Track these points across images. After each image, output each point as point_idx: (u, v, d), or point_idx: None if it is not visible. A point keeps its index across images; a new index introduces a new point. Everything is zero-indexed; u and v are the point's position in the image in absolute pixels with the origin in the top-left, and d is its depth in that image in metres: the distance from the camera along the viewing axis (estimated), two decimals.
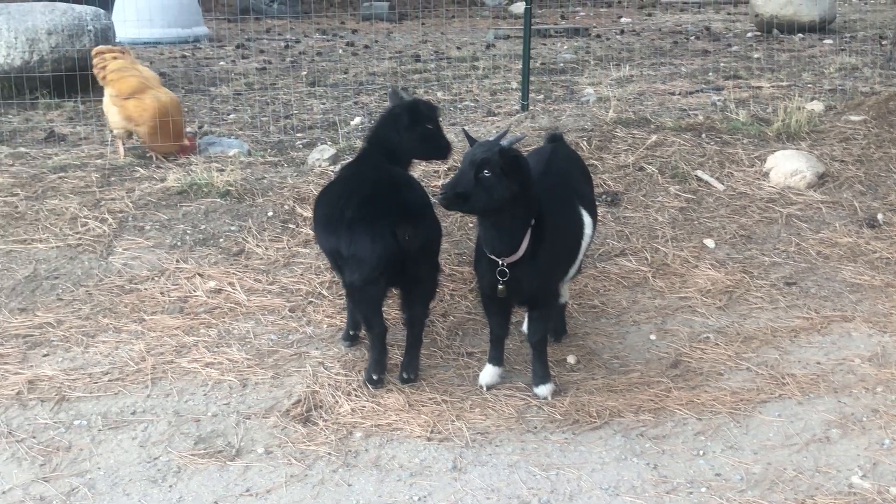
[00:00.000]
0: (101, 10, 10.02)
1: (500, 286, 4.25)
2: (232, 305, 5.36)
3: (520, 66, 10.72)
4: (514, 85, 9.90)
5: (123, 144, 7.37)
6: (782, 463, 4.02)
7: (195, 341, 5.00)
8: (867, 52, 11.18)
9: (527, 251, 4.21)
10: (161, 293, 5.44)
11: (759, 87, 9.13)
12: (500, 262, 4.21)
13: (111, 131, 7.44)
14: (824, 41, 12.70)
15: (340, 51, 13.21)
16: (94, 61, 7.40)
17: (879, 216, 6.32)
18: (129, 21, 13.41)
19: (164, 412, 4.39)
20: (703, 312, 5.38)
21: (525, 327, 4.97)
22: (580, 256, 4.63)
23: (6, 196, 6.32)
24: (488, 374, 4.58)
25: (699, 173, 6.76)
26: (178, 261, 5.74)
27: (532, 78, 8.69)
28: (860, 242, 6.07)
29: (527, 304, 4.45)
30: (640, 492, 3.85)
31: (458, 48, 13.07)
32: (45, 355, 4.84)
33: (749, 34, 14.02)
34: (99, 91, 9.42)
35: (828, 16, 14.06)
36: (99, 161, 7.09)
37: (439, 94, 9.67)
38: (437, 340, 5.04)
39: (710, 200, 6.51)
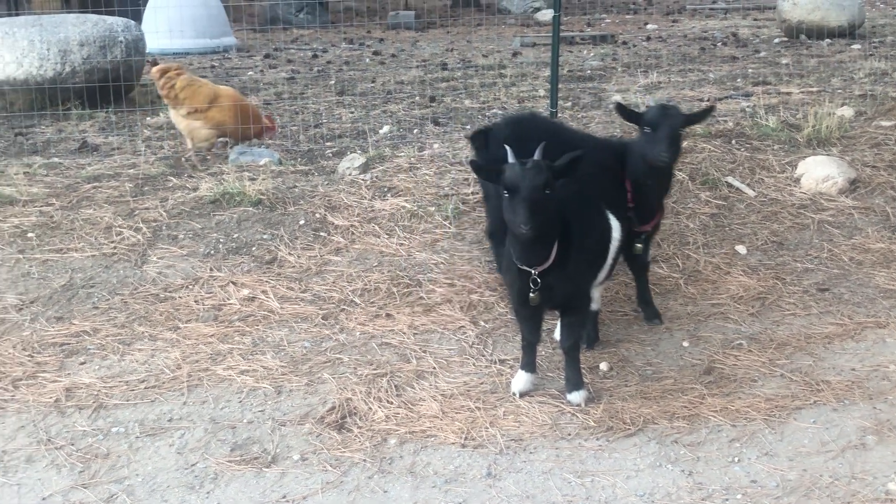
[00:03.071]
0: (132, 22, 10.11)
1: (532, 294, 4.26)
2: (265, 313, 5.40)
3: (546, 74, 10.75)
4: (542, 92, 9.91)
5: (197, 154, 7.57)
6: (818, 469, 4.00)
7: (230, 349, 5.04)
8: None
9: (556, 258, 4.22)
10: (195, 301, 5.49)
11: (789, 93, 9.09)
12: (532, 272, 4.22)
13: (191, 148, 7.54)
14: (852, 46, 12.63)
15: (367, 60, 13.26)
16: (161, 82, 7.40)
17: None
18: (159, 32, 13.53)
19: (201, 419, 4.43)
20: (736, 319, 5.37)
21: (556, 334, 4.98)
22: (609, 261, 4.63)
23: (41, 206, 6.40)
24: (521, 380, 4.58)
25: (730, 179, 6.75)
26: (211, 269, 5.79)
27: (559, 85, 8.70)
28: (893, 248, 6.03)
29: (559, 309, 4.47)
30: (675, 499, 3.85)
31: (485, 56, 13.10)
32: (82, 363, 4.90)
33: (776, 40, 13.96)
34: (131, 102, 9.56)
35: (856, 21, 13.97)
36: (132, 171, 7.16)
37: (467, 101, 9.69)
38: (467, 348, 5.05)
39: (741, 207, 6.50)
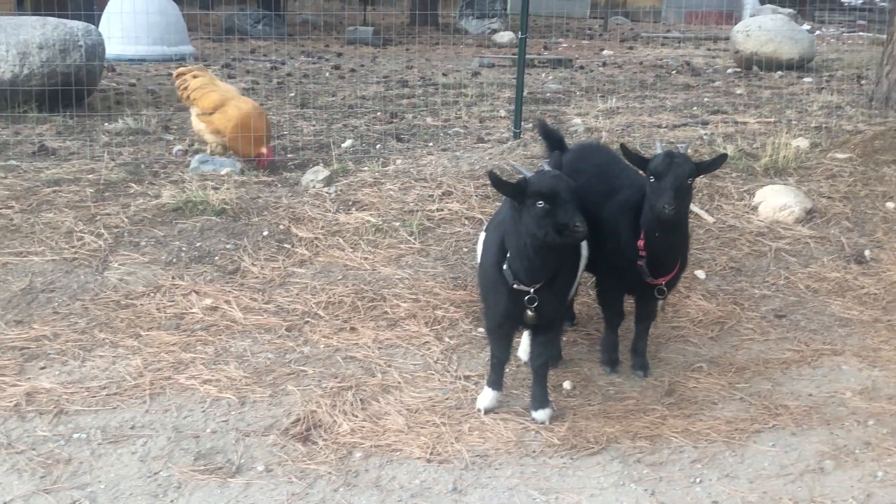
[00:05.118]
0: (93, 27, 10.01)
1: (530, 313, 4.29)
2: (228, 323, 5.37)
3: (507, 94, 10.86)
4: (503, 113, 9.99)
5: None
6: (778, 492, 4.07)
7: (192, 358, 5.00)
8: (847, 90, 11.36)
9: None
10: (157, 309, 5.45)
11: (745, 123, 9.25)
12: (530, 290, 4.25)
13: (207, 149, 7.73)
14: (804, 79, 12.90)
15: (327, 73, 13.26)
16: (177, 83, 7.78)
17: (867, 252, 6.42)
18: (116, 37, 13.43)
19: (164, 427, 4.39)
20: (696, 342, 5.45)
21: (521, 352, 5.02)
22: (578, 278, 4.69)
23: (1, 208, 6.31)
24: (487, 397, 4.60)
25: (690, 206, 6.85)
26: (173, 277, 5.75)
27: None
28: (848, 278, 6.17)
29: (540, 327, 4.48)
30: None
31: (445, 75, 13.16)
32: (42, 368, 4.84)
33: (730, 70, 14.20)
34: (88, 107, 9.47)
35: (807, 54, 14.27)
36: (91, 176, 7.09)
37: (428, 119, 9.74)
38: (432, 363, 5.06)
39: (700, 232, 6.60)
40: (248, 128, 7.36)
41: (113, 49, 12.97)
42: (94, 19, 11.88)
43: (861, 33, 21.53)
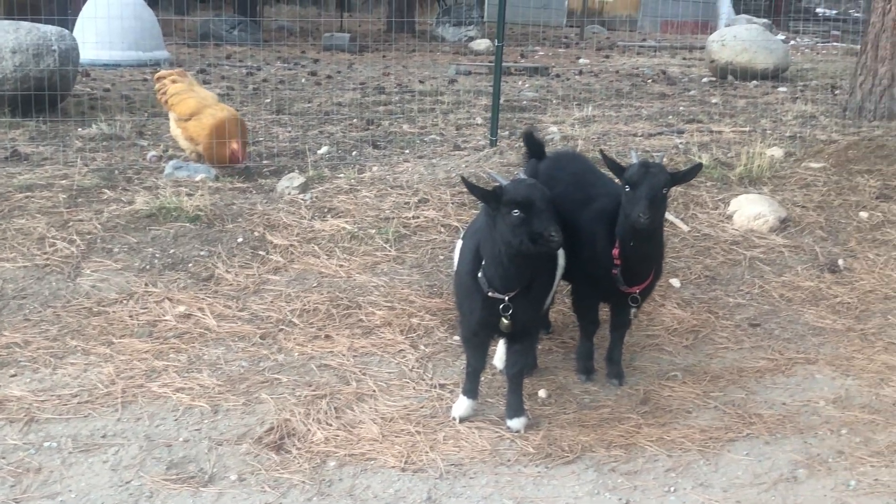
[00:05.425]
0: (67, 31, 9.95)
1: (505, 321, 4.28)
2: (202, 331, 5.33)
3: (483, 102, 10.87)
4: (479, 120, 9.99)
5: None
6: (751, 501, 4.08)
7: (165, 366, 4.96)
8: (821, 100, 11.45)
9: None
10: (130, 316, 5.40)
11: (720, 132, 9.30)
12: (505, 298, 4.24)
13: (184, 155, 7.70)
14: (778, 89, 12.99)
15: (303, 80, 13.23)
16: (156, 87, 7.75)
17: (840, 262, 6.46)
18: (91, 42, 13.35)
19: (135, 436, 4.35)
20: (671, 351, 5.46)
21: (496, 360, 5.01)
22: (554, 287, 4.68)
23: None
24: (462, 406, 4.59)
25: (665, 214, 6.86)
26: (146, 284, 5.71)
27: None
28: (822, 287, 6.20)
29: (516, 336, 4.46)
30: None
31: (421, 82, 13.16)
32: (12, 375, 4.78)
33: (705, 79, 14.29)
34: (61, 112, 9.40)
35: (781, 64, 14.38)
36: (65, 182, 7.03)
37: (405, 126, 9.72)
38: (407, 371, 5.04)
39: (675, 241, 6.61)
40: (224, 136, 7.30)
41: (87, 54, 12.90)
42: (68, 24, 11.80)
43: (835, 44, 21.70)
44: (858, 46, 10.88)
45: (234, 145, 7.33)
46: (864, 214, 7.05)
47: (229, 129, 7.31)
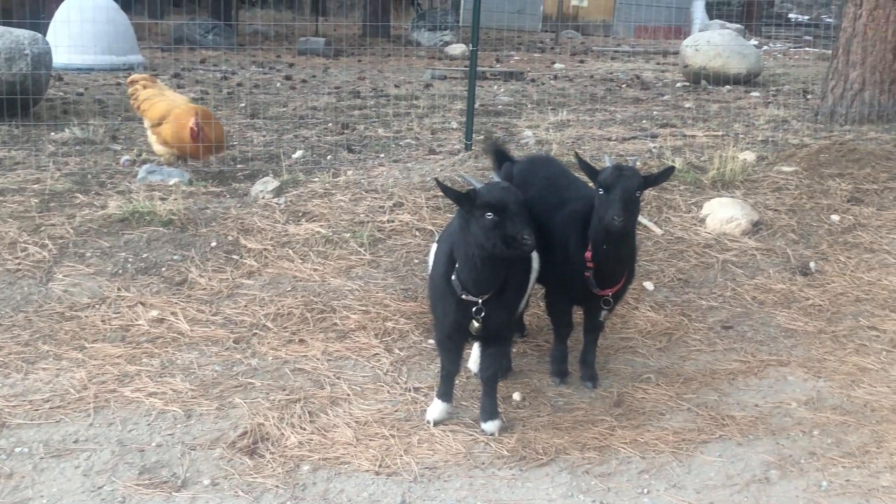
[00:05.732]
0: (39, 35, 9.88)
1: (477, 324, 4.28)
2: (175, 335, 5.31)
3: (458, 107, 10.88)
4: (454, 125, 10.01)
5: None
6: (724, 502, 4.10)
7: (138, 370, 4.94)
8: (793, 105, 11.54)
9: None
10: (102, 321, 5.37)
11: (693, 136, 9.35)
12: (479, 301, 4.25)
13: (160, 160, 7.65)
14: (751, 93, 13.08)
15: (278, 84, 13.20)
16: (129, 91, 7.78)
17: (812, 264, 6.51)
18: (64, 46, 13.28)
19: (108, 441, 4.32)
20: (644, 353, 5.48)
21: (471, 363, 5.01)
22: (529, 291, 4.70)
23: None
24: (437, 409, 4.59)
25: (638, 217, 6.89)
26: (119, 289, 5.68)
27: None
28: (793, 289, 6.24)
29: (488, 339, 4.47)
30: None
31: (397, 86, 13.16)
32: None
33: (679, 84, 14.37)
34: (34, 116, 9.35)
35: (754, 69, 14.49)
36: (37, 186, 6.99)
37: (380, 130, 9.72)
38: (382, 375, 5.04)
39: (648, 244, 6.64)
40: (184, 128, 7.28)
41: (60, 58, 12.84)
42: (41, 28, 11.73)
43: (807, 49, 21.90)
44: (830, 51, 10.97)
45: (192, 124, 7.23)
46: (835, 218, 7.11)
47: (189, 115, 7.28)
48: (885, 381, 5.21)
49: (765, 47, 21.09)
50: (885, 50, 9.58)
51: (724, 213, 6.94)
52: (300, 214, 6.62)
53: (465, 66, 14.08)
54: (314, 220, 6.54)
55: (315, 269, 6.03)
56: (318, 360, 5.14)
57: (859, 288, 6.29)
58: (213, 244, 6.15)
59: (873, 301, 6.14)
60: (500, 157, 5.30)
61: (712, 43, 14.35)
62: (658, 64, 17.81)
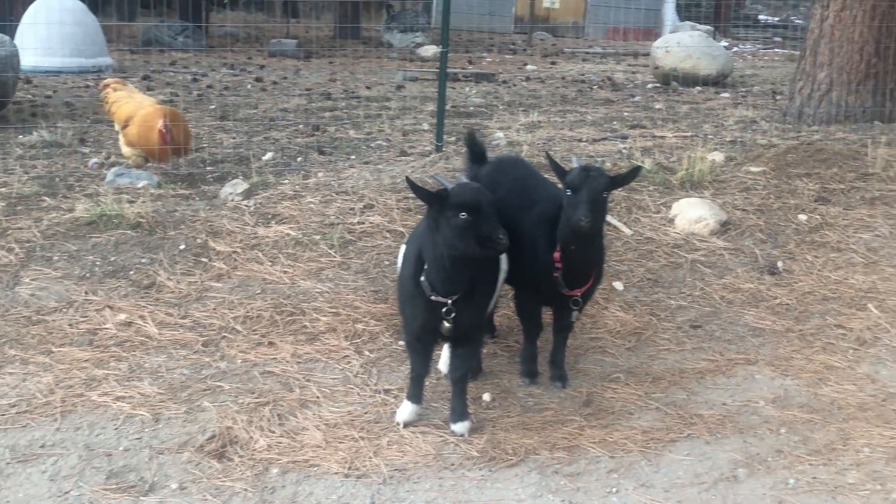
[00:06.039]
0: (7, 37, 9.81)
1: (447, 324, 4.29)
2: (143, 339, 5.28)
3: (430, 108, 10.88)
4: (426, 126, 10.01)
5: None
6: (692, 501, 4.12)
7: (105, 374, 4.91)
8: (762, 105, 11.62)
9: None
10: (69, 325, 5.33)
11: (663, 137, 9.40)
12: (448, 302, 4.25)
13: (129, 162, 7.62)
14: (721, 94, 13.16)
15: (249, 86, 13.16)
16: (101, 95, 7.78)
17: (780, 264, 6.55)
18: (30, 49, 13.17)
19: (75, 446, 4.29)
20: (614, 353, 5.50)
21: (441, 364, 5.01)
22: (497, 291, 4.71)
23: None
24: (406, 411, 4.59)
25: (608, 218, 6.92)
26: (87, 292, 5.64)
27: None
28: (761, 289, 6.28)
29: (459, 340, 4.47)
30: None
31: (368, 88, 13.15)
32: None
33: (649, 85, 14.45)
34: (1, 119, 9.27)
35: (724, 70, 14.60)
36: (4, 190, 6.93)
37: (351, 132, 9.71)
38: (351, 377, 5.03)
39: (618, 244, 6.66)
40: (152, 131, 7.21)
41: (28, 60, 12.74)
42: (8, 30, 11.64)
43: (777, 50, 22.08)
44: (798, 52, 11.06)
45: (161, 126, 7.15)
46: (802, 217, 7.16)
47: (157, 117, 7.22)
48: (852, 378, 5.25)
49: (735, 49, 21.24)
50: (852, 51, 9.66)
51: (692, 214, 6.97)
52: (270, 216, 6.60)
53: (437, 68, 14.10)
54: (284, 223, 6.52)
55: (285, 272, 6.01)
56: (287, 362, 5.12)
57: (826, 287, 6.34)
58: (182, 247, 6.12)
59: (840, 300, 6.19)
60: (476, 155, 5.29)
61: (683, 44, 14.44)
62: (629, 65, 17.90)
